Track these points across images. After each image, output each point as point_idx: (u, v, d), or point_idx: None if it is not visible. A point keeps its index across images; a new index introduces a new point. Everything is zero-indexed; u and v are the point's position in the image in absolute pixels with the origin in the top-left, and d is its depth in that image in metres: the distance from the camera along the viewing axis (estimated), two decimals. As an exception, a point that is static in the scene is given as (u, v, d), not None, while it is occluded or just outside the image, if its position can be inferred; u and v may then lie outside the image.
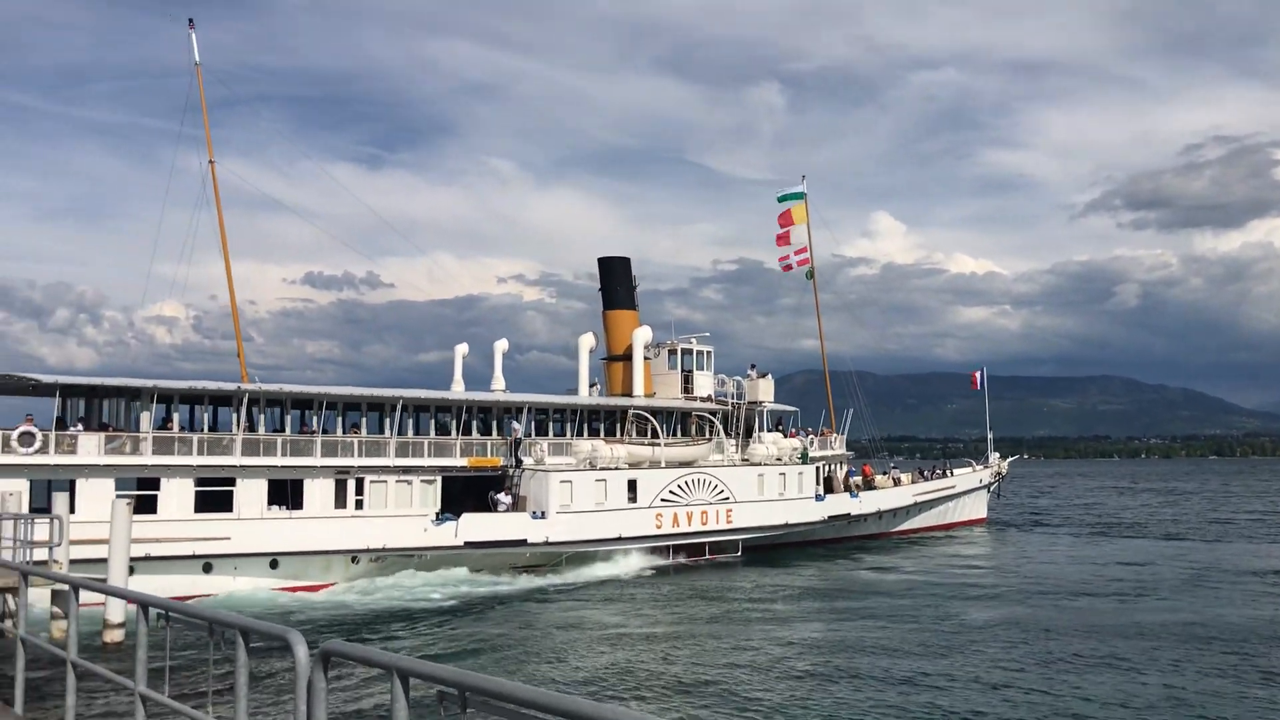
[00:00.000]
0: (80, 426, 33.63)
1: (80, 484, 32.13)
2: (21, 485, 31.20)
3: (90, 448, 32.44)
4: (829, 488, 51.53)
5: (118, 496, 29.96)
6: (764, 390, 51.64)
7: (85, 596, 9.82)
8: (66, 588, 9.90)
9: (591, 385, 51.51)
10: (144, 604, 7.93)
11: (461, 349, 48.00)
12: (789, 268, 62.74)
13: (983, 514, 64.46)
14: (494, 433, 42.26)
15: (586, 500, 40.65)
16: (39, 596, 21.86)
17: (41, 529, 24.43)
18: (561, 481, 40.11)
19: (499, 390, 46.45)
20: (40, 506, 32.18)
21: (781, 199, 63.05)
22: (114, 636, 25.08)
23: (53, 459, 31.73)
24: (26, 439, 31.32)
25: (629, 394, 49.44)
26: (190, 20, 41.00)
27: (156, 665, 8.07)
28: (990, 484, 64.88)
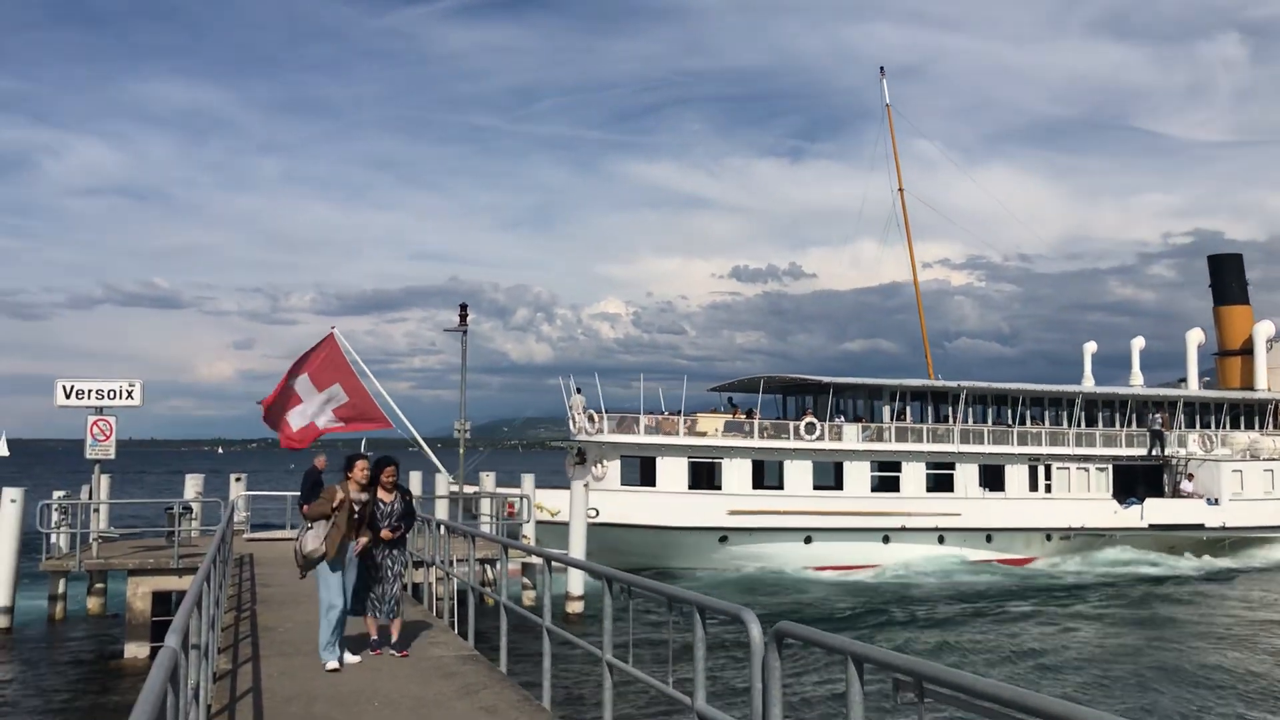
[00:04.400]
0: (841, 419, 40.49)
1: (846, 466, 38.98)
2: (806, 465, 38.50)
3: (852, 436, 39.23)
4: None
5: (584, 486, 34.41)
6: None
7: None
8: (538, 560, 11.14)
9: (1202, 378, 53.01)
10: (609, 578, 8.16)
11: (1090, 346, 51.44)
12: None
13: None
14: (1139, 424, 45.09)
15: (1256, 489, 42.82)
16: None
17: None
18: (1233, 470, 42.56)
19: (1138, 385, 49.35)
20: (823, 484, 39.45)
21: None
22: (575, 607, 27.00)
23: (826, 444, 38.72)
24: (810, 428, 38.51)
25: (1249, 388, 50.50)
26: (881, 69, 47.85)
27: (620, 636, 8.29)
28: None
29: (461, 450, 31.42)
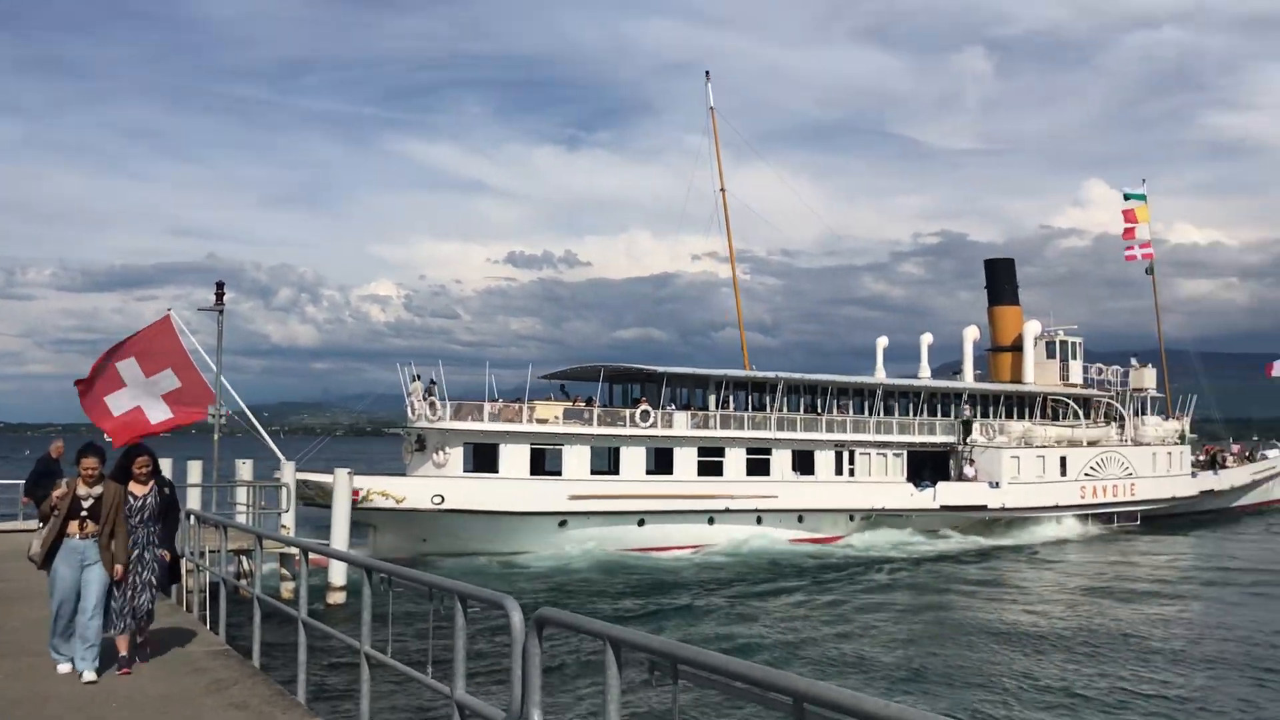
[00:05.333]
0: (673, 407, 42.52)
1: (676, 451, 41.13)
2: (640, 451, 40.39)
3: (682, 423, 41.40)
4: (1212, 465, 57.73)
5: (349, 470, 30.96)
6: (1148, 379, 57.67)
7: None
8: (296, 551, 10.82)
9: (975, 372, 58.26)
10: (369, 568, 8.20)
11: (882, 341, 55.67)
12: (1133, 258, 68.41)
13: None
14: (937, 414, 49.43)
15: (1030, 473, 47.87)
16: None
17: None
18: (1011, 457, 47.40)
19: (926, 377, 53.89)
20: (655, 469, 41.37)
21: (1127, 197, 68.60)
22: (336, 598, 26.65)
23: (659, 431, 40.72)
24: (644, 415, 40.40)
25: (1017, 382, 56.00)
26: (707, 73, 50.11)
27: (382, 627, 8.43)
28: None
29: (216, 436, 30.51)
